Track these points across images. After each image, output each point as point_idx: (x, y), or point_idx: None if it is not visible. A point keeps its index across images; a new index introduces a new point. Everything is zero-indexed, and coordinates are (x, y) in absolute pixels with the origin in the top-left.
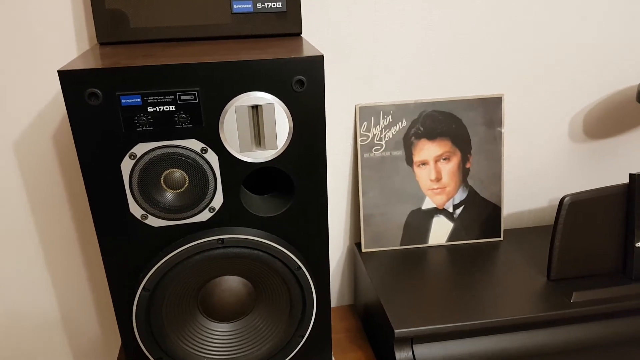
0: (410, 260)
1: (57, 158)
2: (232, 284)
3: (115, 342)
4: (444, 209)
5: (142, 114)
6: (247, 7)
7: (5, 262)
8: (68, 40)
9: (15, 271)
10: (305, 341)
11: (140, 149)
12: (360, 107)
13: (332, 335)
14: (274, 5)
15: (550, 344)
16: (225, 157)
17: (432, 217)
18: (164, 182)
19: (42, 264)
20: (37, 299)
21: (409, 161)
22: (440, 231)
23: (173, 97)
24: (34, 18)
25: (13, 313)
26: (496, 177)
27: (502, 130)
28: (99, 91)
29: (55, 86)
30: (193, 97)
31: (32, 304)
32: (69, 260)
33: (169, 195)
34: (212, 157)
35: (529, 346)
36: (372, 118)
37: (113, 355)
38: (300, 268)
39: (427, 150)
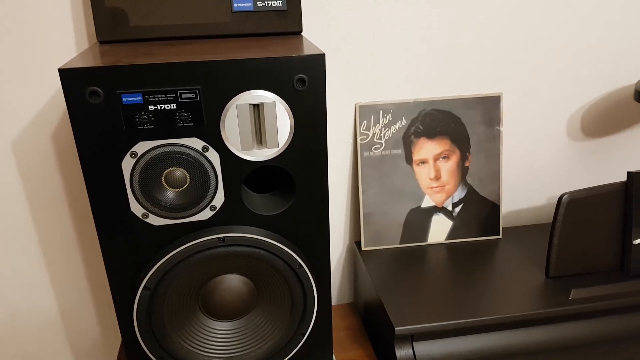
0: (409, 259)
1: (56, 157)
2: (233, 282)
3: (115, 341)
4: (443, 207)
5: (143, 112)
6: (248, 5)
7: (4, 261)
8: (67, 39)
9: (14, 270)
10: (306, 339)
11: (141, 147)
12: (360, 106)
13: (333, 334)
14: (274, 3)
15: (549, 340)
16: (226, 155)
17: (431, 216)
18: (165, 180)
19: (41, 263)
20: (36, 298)
21: (409, 160)
22: (439, 229)
23: (174, 95)
24: (33, 16)
25: (12, 313)
26: (495, 175)
27: (501, 129)
28: (100, 89)
29: (54, 85)
30: (194, 96)
31: (31, 304)
32: (68, 260)
33: (170, 193)
34: (213, 156)
35: (529, 343)
36: (372, 117)
37: (113, 354)
38: (302, 266)
39: (427, 148)
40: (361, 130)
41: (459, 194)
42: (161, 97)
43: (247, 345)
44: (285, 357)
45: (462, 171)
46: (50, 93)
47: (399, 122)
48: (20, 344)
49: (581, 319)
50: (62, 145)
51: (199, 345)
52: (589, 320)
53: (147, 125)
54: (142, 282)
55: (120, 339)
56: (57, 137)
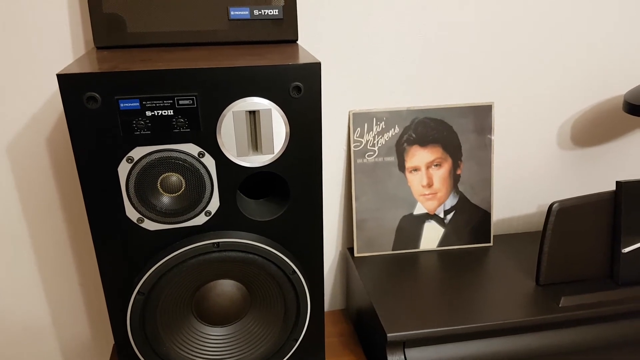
0: (402, 265)
1: (50, 161)
2: (227, 288)
3: (106, 346)
4: (435, 215)
5: (140, 118)
6: (244, 13)
7: None
8: (64, 44)
9: (6, 274)
10: (299, 345)
11: (137, 152)
12: (353, 114)
13: (325, 340)
14: (270, 12)
15: (539, 347)
16: (222, 161)
17: (423, 223)
18: (161, 185)
19: (33, 268)
20: (28, 302)
21: (401, 167)
22: (431, 236)
23: (171, 101)
24: (30, 21)
25: (2, 317)
26: (486, 183)
27: (492, 138)
28: (97, 95)
29: (50, 89)
30: (191, 102)
31: (23, 308)
32: (60, 264)
33: (166, 199)
34: (209, 162)
35: (519, 350)
36: (366, 124)
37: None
38: (295, 272)
39: (419, 156)
40: (355, 138)
41: (451, 201)
42: (158, 103)
43: (240, 350)
44: None
45: (454, 179)
46: (45, 97)
47: (392, 129)
48: (11, 348)
49: (571, 326)
50: (56, 149)
51: (192, 351)
52: (578, 327)
53: (144, 131)
54: (136, 287)
55: (110, 344)
56: (51, 141)
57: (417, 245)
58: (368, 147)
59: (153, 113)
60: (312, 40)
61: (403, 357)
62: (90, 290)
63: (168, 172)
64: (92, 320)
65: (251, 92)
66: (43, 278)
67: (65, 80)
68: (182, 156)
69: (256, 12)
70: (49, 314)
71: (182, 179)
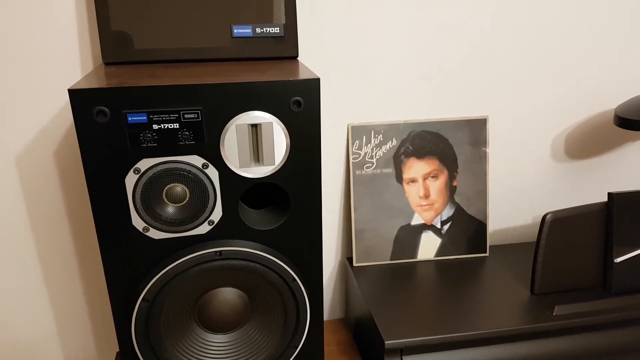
0: (400, 275)
1: (58, 173)
2: (229, 295)
3: (110, 355)
4: (432, 225)
5: (147, 131)
6: (247, 31)
7: (2, 274)
8: (72, 59)
9: (12, 284)
10: (298, 352)
11: (144, 164)
12: (352, 127)
13: (324, 348)
14: (272, 30)
15: (534, 355)
16: (225, 172)
17: (420, 233)
18: (166, 196)
19: (39, 278)
20: (33, 312)
21: (399, 178)
22: (428, 246)
23: (177, 115)
24: (41, 37)
25: (8, 327)
26: (482, 194)
27: (487, 150)
28: (106, 109)
29: (59, 103)
30: (196, 116)
31: (28, 318)
32: (66, 274)
33: (170, 208)
34: (212, 173)
35: (514, 357)
36: (364, 137)
37: None
38: (295, 280)
39: (416, 168)
40: (353, 150)
41: (447, 212)
42: (165, 117)
43: (241, 357)
44: None
45: (450, 190)
46: (54, 111)
47: (390, 142)
48: (16, 357)
49: (564, 335)
50: (64, 161)
51: (194, 357)
52: (572, 335)
53: (150, 143)
54: (141, 294)
55: (114, 353)
56: (59, 153)
57: (414, 255)
58: (366, 159)
59: (159, 126)
60: (311, 57)
61: None
62: (94, 300)
63: (173, 182)
64: (96, 330)
65: (253, 107)
66: (48, 288)
67: (76, 95)
68: (187, 167)
69: (258, 30)
70: (54, 323)
71: (186, 189)
